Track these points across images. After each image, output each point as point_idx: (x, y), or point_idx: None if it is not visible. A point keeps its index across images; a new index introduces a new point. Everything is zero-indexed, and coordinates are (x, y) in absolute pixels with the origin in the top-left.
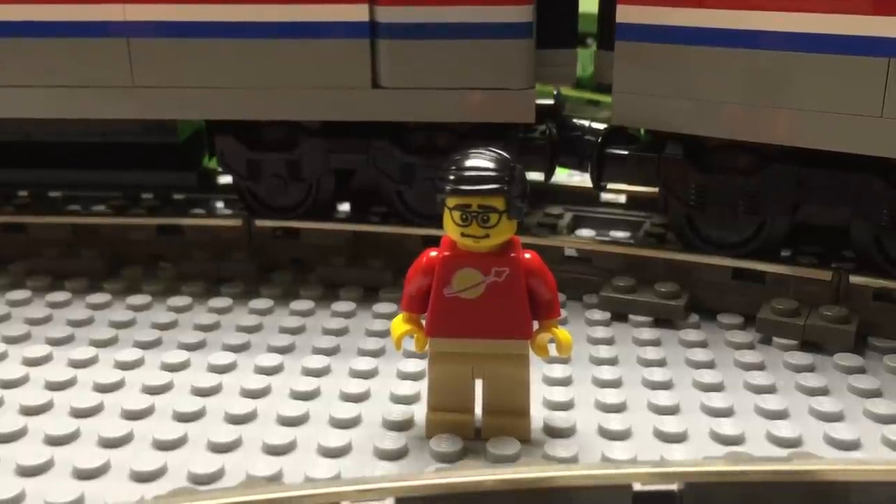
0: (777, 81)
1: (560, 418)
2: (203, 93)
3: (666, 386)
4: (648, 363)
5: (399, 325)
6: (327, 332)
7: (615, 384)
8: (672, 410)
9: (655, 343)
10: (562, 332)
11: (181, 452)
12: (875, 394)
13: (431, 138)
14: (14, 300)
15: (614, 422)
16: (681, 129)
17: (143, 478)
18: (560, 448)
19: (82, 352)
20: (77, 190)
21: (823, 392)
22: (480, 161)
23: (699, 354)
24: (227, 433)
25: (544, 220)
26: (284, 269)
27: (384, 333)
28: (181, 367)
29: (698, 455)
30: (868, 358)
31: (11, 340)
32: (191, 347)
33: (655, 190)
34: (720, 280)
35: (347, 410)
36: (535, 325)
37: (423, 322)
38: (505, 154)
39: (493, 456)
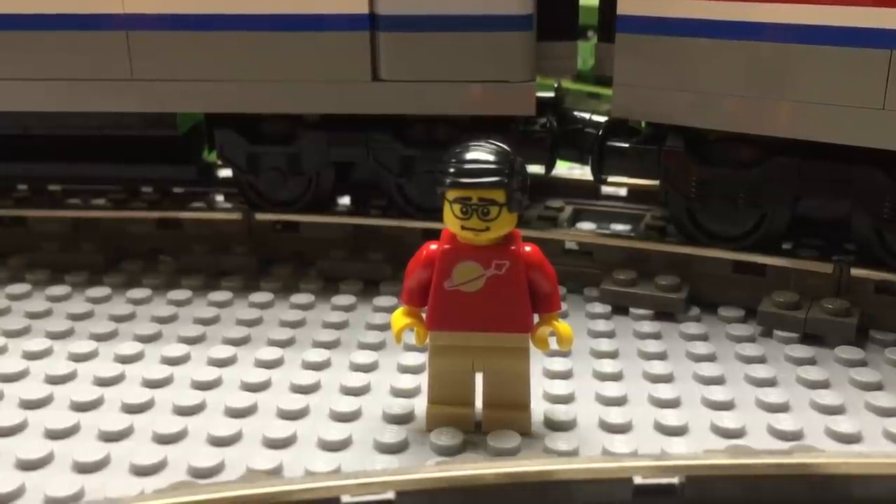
0: (778, 73)
1: (560, 411)
2: (202, 86)
3: (667, 379)
4: (649, 356)
5: (399, 318)
6: (327, 325)
7: (616, 377)
8: (673, 403)
9: (656, 336)
10: (562, 326)
11: (181, 446)
12: (876, 387)
13: (431, 131)
14: (14, 294)
15: (615, 415)
16: (682, 121)
17: (143, 471)
18: (560, 441)
19: (82, 345)
20: (76, 183)
21: (824, 385)
22: (481, 154)
23: (700, 347)
24: (227, 427)
25: (545, 213)
26: (284, 263)
27: (384, 327)
28: (181, 360)
29: (699, 448)
30: (869, 351)
31: (11, 334)
32: (191, 341)
33: (656, 183)
34: (721, 273)
35: (348, 404)
36: (536, 318)
37: (424, 315)
38: (505, 147)
39: (494, 449)
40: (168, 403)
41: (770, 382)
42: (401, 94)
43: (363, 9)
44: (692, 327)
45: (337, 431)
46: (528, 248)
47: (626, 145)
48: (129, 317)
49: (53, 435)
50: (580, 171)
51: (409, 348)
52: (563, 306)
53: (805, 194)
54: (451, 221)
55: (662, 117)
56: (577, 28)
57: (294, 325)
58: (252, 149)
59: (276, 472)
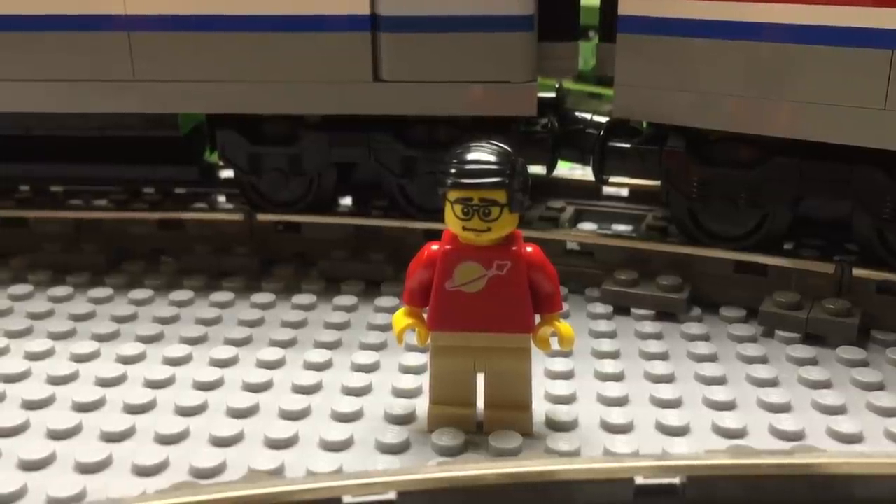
0: (779, 74)
1: (562, 412)
2: (204, 86)
3: (668, 379)
4: (651, 357)
5: (401, 318)
6: (329, 326)
7: (617, 378)
8: (674, 404)
9: (657, 336)
10: (563, 326)
11: (183, 446)
12: (878, 387)
13: (433, 132)
14: (16, 294)
15: (616, 415)
16: (683, 121)
17: (145, 472)
18: (562, 442)
19: (84, 346)
20: (78, 184)
21: (826, 385)
22: (482, 154)
23: (701, 348)
24: (228, 427)
25: (546, 214)
26: (286, 263)
27: (386, 327)
28: (183, 361)
29: (700, 448)
30: (871, 351)
31: (13, 335)
32: (192, 341)
33: (657, 183)
34: (722, 273)
35: (349, 404)
36: (537, 318)
37: (425, 316)
38: (506, 147)
39: (495, 450)
40: (170, 404)
41: (771, 383)
42: (402, 95)
43: (364, 9)
44: (693, 327)
45: (338, 432)
46: (529, 249)
47: (628, 146)
48: (131, 317)
49: (55, 435)
50: (581, 172)
51: (410, 349)
52: (565, 307)
53: (806, 194)
54: (452, 222)
55: (663, 117)
56: (578, 28)
57: (296, 325)
58: (254, 149)
59: (277, 473)
